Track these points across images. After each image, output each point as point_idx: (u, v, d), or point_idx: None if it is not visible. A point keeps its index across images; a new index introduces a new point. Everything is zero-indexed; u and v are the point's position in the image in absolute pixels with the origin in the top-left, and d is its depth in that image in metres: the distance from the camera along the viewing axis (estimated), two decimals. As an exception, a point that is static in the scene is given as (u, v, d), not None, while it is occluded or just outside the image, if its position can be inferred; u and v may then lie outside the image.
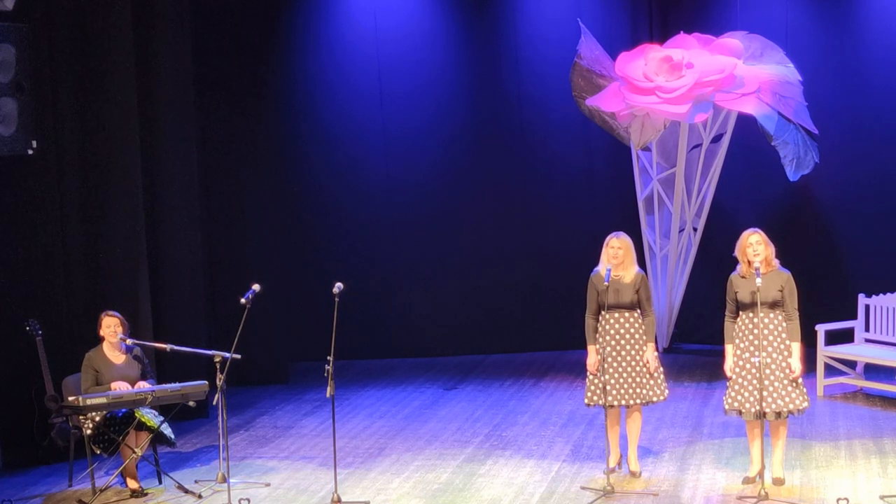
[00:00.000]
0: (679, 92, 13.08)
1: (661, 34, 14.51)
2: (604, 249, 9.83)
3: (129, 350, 10.10)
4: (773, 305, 9.44)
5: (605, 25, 14.73)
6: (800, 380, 9.51)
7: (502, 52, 15.10)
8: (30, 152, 10.86)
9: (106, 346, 10.01)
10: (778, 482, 9.60)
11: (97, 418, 9.77)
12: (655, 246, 14.55)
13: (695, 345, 14.98)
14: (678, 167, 14.11)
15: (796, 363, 9.44)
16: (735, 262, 9.60)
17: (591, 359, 9.86)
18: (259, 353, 13.17)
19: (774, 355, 9.45)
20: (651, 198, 14.48)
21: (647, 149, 14.18)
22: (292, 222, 14.95)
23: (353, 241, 15.16)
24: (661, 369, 9.99)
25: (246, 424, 12.17)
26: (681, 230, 14.38)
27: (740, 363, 9.54)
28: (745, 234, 9.53)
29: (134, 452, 9.83)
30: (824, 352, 12.60)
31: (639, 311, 9.85)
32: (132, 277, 11.69)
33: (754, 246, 9.42)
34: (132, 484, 9.94)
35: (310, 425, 12.06)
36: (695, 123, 13.72)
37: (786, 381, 9.44)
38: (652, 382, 9.86)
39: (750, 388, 9.48)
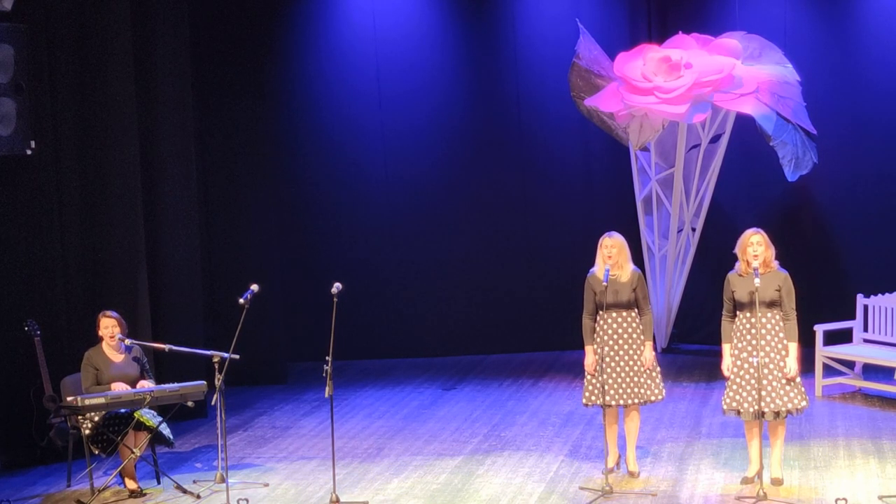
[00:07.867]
0: (677, 92, 13.08)
1: (660, 34, 14.50)
2: (598, 250, 9.85)
3: (128, 350, 10.10)
4: (771, 305, 9.44)
5: (604, 26, 14.73)
6: (798, 379, 9.50)
7: (501, 52, 15.10)
8: (28, 152, 10.85)
9: (105, 345, 10.02)
10: (776, 482, 9.60)
11: (96, 418, 9.77)
12: (654, 246, 14.55)
13: (693, 345, 14.98)
14: (677, 167, 14.11)
15: (792, 363, 9.43)
16: (734, 259, 9.60)
17: (589, 359, 9.87)
18: (257, 354, 13.15)
19: (773, 355, 9.44)
20: (650, 198, 14.48)
21: (645, 149, 14.18)
22: (291, 222, 14.95)
23: (351, 242, 15.16)
24: (658, 368, 10.00)
25: (244, 425, 12.17)
26: (679, 230, 14.38)
27: (738, 363, 9.54)
28: (748, 233, 9.51)
29: (132, 452, 9.82)
30: (823, 352, 12.60)
31: (636, 309, 9.87)
32: (131, 277, 11.68)
33: (755, 246, 9.40)
34: (131, 484, 9.94)
35: (308, 425, 12.06)
36: (693, 124, 13.71)
37: (784, 381, 9.44)
38: (650, 382, 9.87)
39: (748, 388, 9.48)
